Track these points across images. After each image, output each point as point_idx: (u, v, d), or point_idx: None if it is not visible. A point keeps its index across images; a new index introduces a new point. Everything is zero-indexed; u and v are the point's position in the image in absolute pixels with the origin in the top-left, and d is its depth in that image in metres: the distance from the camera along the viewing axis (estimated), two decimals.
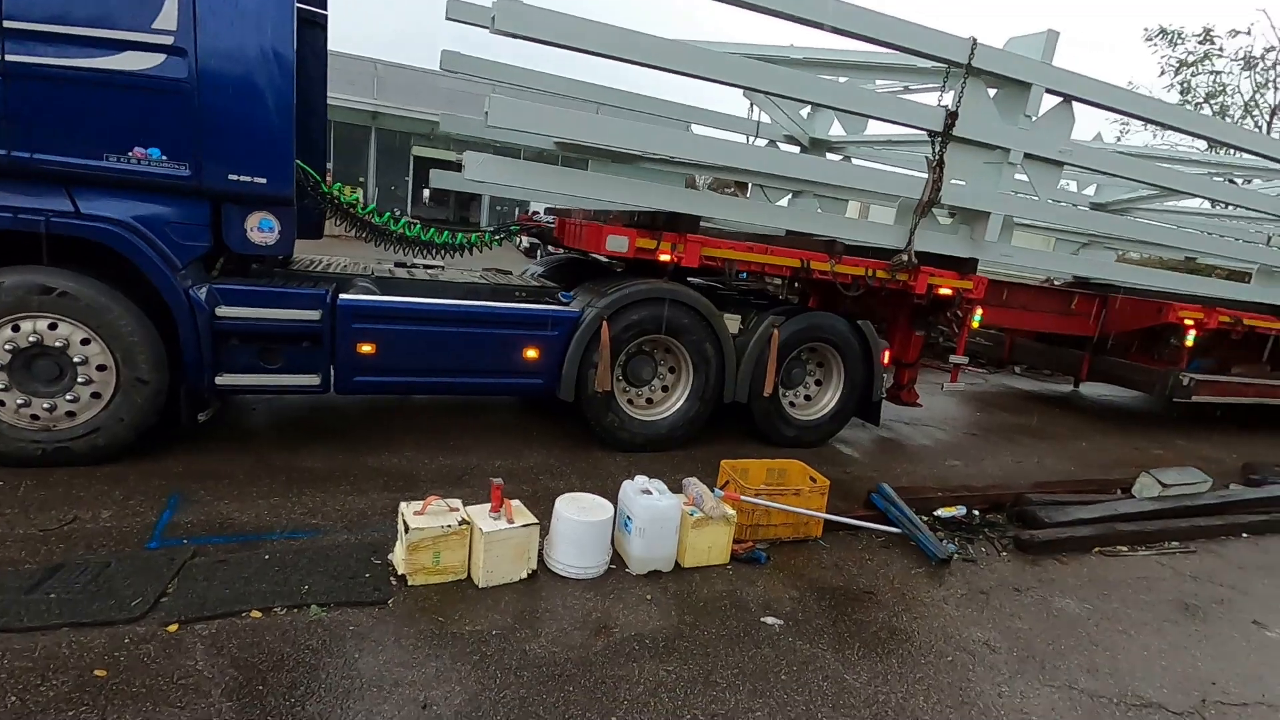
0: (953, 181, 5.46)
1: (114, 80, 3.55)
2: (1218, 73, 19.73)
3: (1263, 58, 19.13)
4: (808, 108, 7.72)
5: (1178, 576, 4.11)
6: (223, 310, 3.89)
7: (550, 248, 6.96)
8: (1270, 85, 19.18)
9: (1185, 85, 20.04)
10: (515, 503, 3.30)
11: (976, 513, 4.54)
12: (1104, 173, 7.14)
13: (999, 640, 3.17)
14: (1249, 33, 19.30)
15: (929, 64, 5.50)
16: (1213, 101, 19.92)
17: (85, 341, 3.69)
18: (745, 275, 5.87)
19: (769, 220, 5.65)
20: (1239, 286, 8.11)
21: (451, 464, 4.42)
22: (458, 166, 4.61)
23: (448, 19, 6.01)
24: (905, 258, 5.50)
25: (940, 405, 7.58)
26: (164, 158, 3.69)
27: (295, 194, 4.16)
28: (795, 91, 5.03)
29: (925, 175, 5.37)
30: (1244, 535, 4.83)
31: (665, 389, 5.27)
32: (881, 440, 6.21)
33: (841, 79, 7.08)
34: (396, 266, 5.73)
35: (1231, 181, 10.38)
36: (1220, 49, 19.51)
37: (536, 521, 3.23)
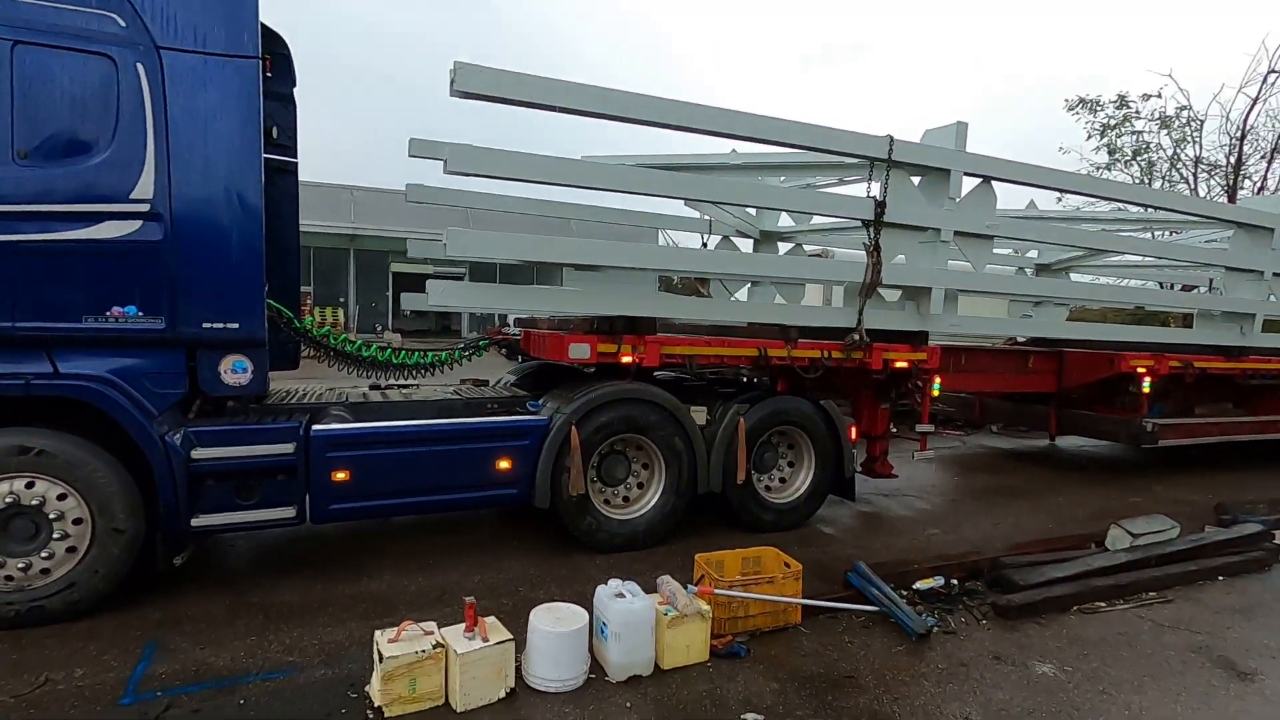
0: (894, 261, 5.85)
1: (93, 249, 3.81)
2: (1139, 133, 21.23)
3: (1177, 116, 20.68)
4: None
5: (1156, 628, 4.14)
6: (198, 452, 4.00)
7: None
8: (1188, 140, 20.64)
9: (1112, 146, 21.48)
10: (490, 619, 3.34)
11: (955, 582, 4.58)
12: (1028, 240, 7.65)
13: (978, 714, 3.18)
14: (1160, 95, 20.81)
15: (855, 160, 6.02)
16: (1140, 159, 21.30)
17: (62, 497, 3.76)
18: (719, 366, 6.11)
19: (723, 315, 5.96)
20: (1184, 332, 8.49)
21: (430, 584, 4.43)
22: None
23: (410, 156, 6.51)
24: (857, 337, 5.77)
25: (919, 473, 7.69)
26: (140, 314, 3.92)
27: (268, 334, 4.38)
28: (730, 198, 5.47)
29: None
30: (1219, 578, 4.89)
31: (640, 486, 5.36)
32: (861, 515, 6.28)
33: (781, 177, 7.67)
34: (371, 389, 5.91)
35: (1174, 233, 11.02)
36: (1137, 112, 21.08)
37: (511, 637, 3.25)
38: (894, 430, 7.48)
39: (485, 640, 3.18)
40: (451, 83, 4.05)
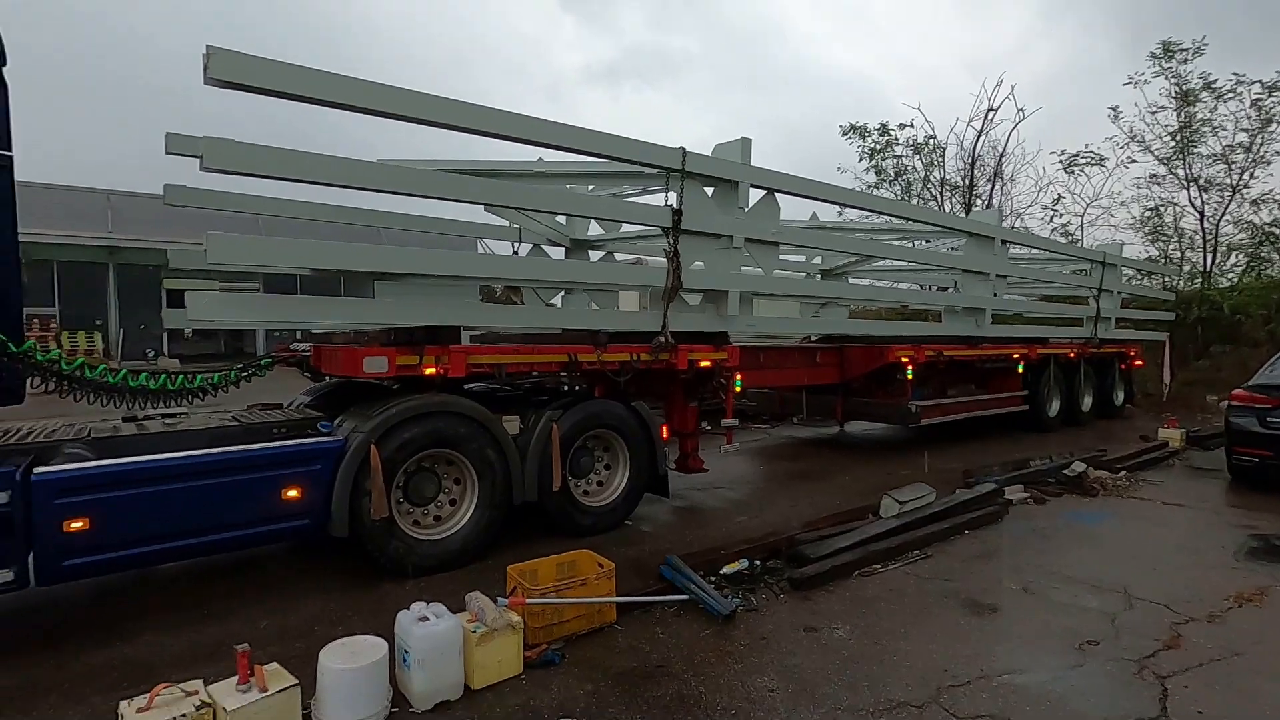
0: (693, 266, 6.18)
1: None
2: (899, 157, 24.68)
3: (926, 144, 24.32)
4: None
5: (919, 581, 4.75)
6: None
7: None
8: (935, 165, 24.37)
9: (878, 167, 24.73)
10: (271, 666, 2.98)
11: (758, 562, 4.91)
12: (809, 246, 8.52)
13: (777, 681, 3.42)
14: (913, 125, 24.39)
15: (654, 170, 6.29)
16: (900, 179, 24.73)
17: None
18: (536, 374, 6.03)
19: (531, 321, 5.92)
20: (935, 325, 9.92)
21: (202, 639, 3.87)
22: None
23: (168, 153, 5.72)
24: (663, 339, 6.02)
25: (728, 466, 8.17)
26: None
27: None
28: (533, 205, 5.45)
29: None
30: (966, 532, 5.75)
31: (453, 502, 5.13)
32: (676, 510, 6.53)
33: (590, 186, 7.79)
34: (125, 421, 5.06)
35: (927, 241, 12.82)
36: (896, 139, 24.47)
37: (296, 682, 2.93)
38: (705, 427, 7.90)
39: (264, 690, 2.83)
40: (205, 69, 3.61)
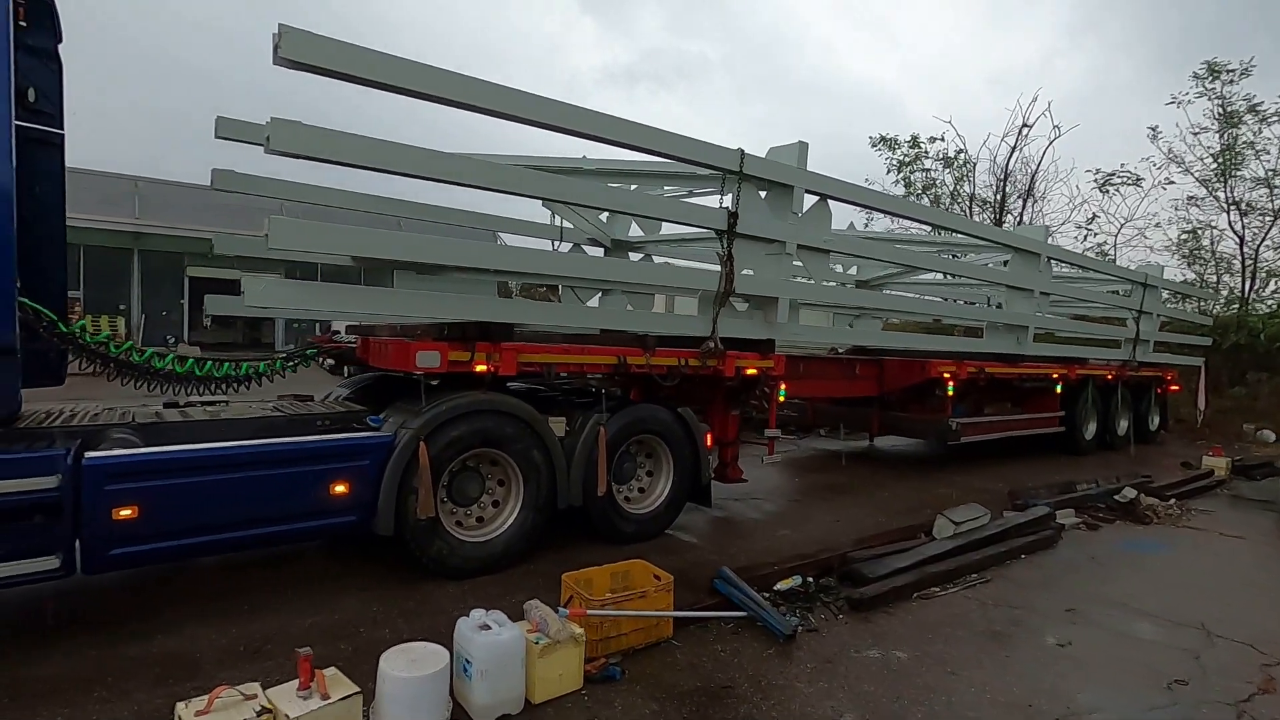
0: (744, 272, 6.02)
1: None
2: (927, 170, 24.39)
3: (956, 157, 24.04)
4: (605, 212, 8.19)
5: (981, 607, 4.56)
6: None
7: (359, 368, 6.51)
8: (965, 179, 24.06)
9: (906, 180, 24.45)
10: (330, 671, 2.84)
11: (811, 580, 4.73)
12: (859, 256, 8.34)
13: (851, 709, 3.24)
14: (943, 139, 24.10)
15: (706, 171, 6.14)
16: (928, 192, 24.41)
17: None
18: (565, 376, 5.89)
19: (580, 321, 5.79)
20: (977, 341, 9.71)
21: (247, 633, 3.74)
22: (238, 287, 4.19)
23: (217, 138, 5.65)
24: (712, 344, 5.86)
25: (763, 477, 7.97)
26: None
27: (18, 340, 3.48)
28: (598, 202, 5.32)
29: (719, 269, 5.86)
30: (1022, 556, 5.54)
31: (496, 504, 4.99)
32: (716, 521, 6.36)
33: (633, 186, 7.66)
34: (166, 408, 4.97)
35: (955, 255, 12.62)
36: (926, 152, 24.20)
37: (358, 690, 2.78)
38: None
39: (326, 697, 2.69)
40: (275, 49, 3.49)
